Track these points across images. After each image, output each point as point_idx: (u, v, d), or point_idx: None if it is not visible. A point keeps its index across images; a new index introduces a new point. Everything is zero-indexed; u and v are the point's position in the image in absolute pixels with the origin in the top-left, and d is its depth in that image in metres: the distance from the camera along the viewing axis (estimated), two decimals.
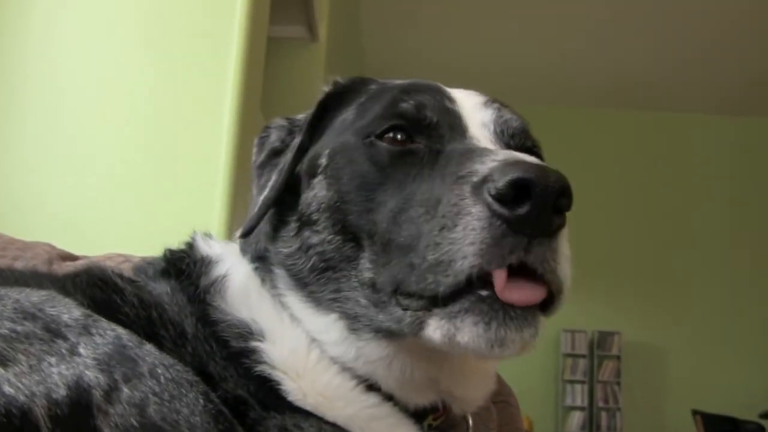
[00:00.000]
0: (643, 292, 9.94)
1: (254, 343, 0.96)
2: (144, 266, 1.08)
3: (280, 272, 1.04)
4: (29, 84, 2.38)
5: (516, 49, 8.74)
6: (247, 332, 0.97)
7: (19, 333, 0.72)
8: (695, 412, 8.05)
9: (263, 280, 1.05)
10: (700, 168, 10.14)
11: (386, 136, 1.02)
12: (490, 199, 0.83)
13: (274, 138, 1.15)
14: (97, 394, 0.71)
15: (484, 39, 8.71)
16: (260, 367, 0.94)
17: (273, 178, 1.08)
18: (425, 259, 0.86)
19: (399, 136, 1.01)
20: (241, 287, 1.02)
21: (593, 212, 9.61)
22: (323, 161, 1.06)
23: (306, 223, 1.03)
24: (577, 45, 8.49)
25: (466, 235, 0.84)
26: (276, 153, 1.13)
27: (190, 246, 1.10)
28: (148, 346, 0.78)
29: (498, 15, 8.18)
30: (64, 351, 0.73)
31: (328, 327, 0.99)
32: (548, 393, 10.12)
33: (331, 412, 0.94)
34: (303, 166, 1.10)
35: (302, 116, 1.17)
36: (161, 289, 1.00)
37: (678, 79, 9.22)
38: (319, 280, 1.00)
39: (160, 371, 0.75)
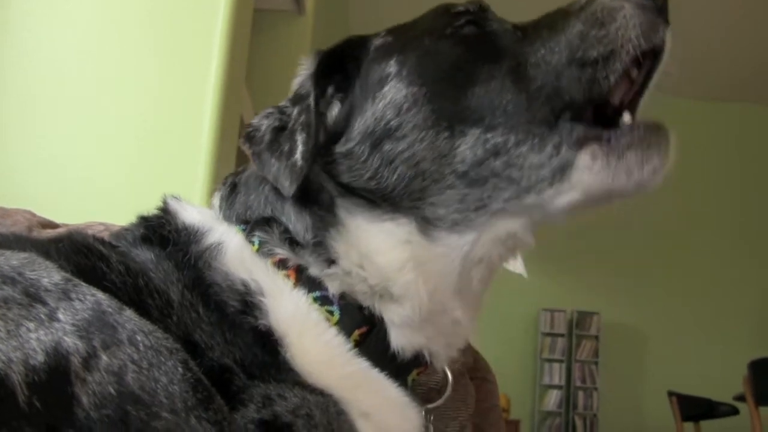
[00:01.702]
0: (624, 273, 10.02)
1: (259, 298, 0.95)
2: (122, 233, 1.05)
3: (331, 189, 1.04)
4: (6, 57, 2.34)
5: None
6: (247, 290, 0.96)
7: None
8: (671, 394, 8.14)
9: (260, 242, 1.04)
10: (688, 153, 10.15)
11: (464, 29, 1.09)
12: None
13: (270, 121, 1.10)
14: (76, 361, 0.70)
15: None
16: (263, 322, 0.94)
17: (300, 136, 1.04)
18: (587, 58, 1.00)
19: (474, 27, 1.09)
20: (236, 252, 1.00)
21: None
22: (392, 69, 1.07)
23: (383, 136, 1.03)
24: None
25: (628, 20, 1.00)
26: (281, 129, 1.08)
27: (166, 212, 1.08)
28: (128, 312, 0.77)
29: None
30: (42, 316, 0.71)
31: (390, 233, 1.01)
32: (526, 371, 10.22)
33: (331, 371, 0.94)
34: (355, 91, 1.09)
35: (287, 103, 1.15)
36: (144, 256, 0.98)
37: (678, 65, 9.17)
38: (403, 192, 1.01)
39: (139, 338, 0.74)
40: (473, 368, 1.64)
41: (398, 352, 1.01)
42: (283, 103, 1.14)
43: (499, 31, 1.09)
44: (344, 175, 1.05)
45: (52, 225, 1.56)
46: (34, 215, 1.57)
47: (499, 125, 0.99)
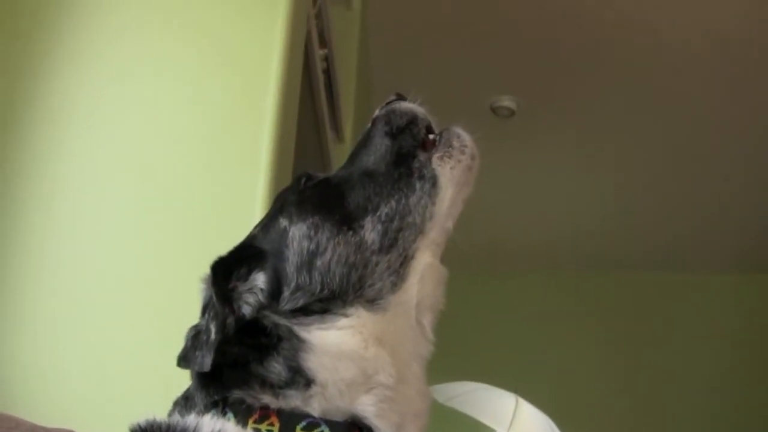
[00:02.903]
0: None
1: None
2: None
3: (284, 323, 1.14)
4: (45, 264, 2.12)
5: (514, 216, 7.80)
6: None
7: None
8: None
9: (234, 413, 1.09)
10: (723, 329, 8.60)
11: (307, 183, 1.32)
12: None
13: (187, 335, 1.19)
14: None
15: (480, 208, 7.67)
16: None
17: (212, 324, 1.11)
18: (400, 126, 1.34)
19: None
20: (236, 430, 1.05)
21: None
22: (284, 223, 1.24)
23: (312, 259, 1.19)
24: (572, 208, 7.44)
25: (404, 104, 1.38)
26: (197, 333, 1.15)
27: (149, 427, 1.08)
28: None
29: (495, 184, 7.16)
30: None
31: (346, 326, 1.14)
32: None
33: None
34: (266, 256, 1.22)
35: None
36: None
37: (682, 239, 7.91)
38: (347, 287, 1.17)
39: None
40: None
41: None
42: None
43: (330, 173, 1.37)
44: (301, 301, 1.16)
45: None
46: None
47: (379, 203, 1.24)
